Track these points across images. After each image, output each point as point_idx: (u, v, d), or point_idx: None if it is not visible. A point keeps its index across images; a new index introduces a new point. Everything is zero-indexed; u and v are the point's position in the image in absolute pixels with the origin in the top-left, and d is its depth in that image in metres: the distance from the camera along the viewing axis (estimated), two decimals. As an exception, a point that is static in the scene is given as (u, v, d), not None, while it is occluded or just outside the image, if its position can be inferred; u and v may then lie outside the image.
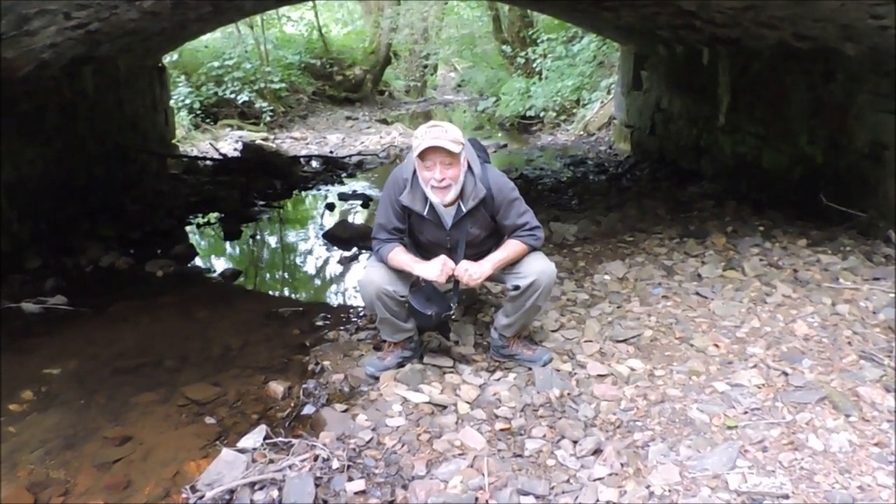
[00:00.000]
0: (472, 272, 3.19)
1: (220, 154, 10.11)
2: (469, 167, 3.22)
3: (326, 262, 6.17)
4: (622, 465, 2.64)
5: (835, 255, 4.56)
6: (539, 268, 3.28)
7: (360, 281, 3.40)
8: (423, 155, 3.08)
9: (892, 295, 3.83)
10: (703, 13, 5.83)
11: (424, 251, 3.40)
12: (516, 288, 3.29)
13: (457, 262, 3.25)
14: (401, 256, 3.26)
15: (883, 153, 4.84)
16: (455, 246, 3.34)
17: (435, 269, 3.17)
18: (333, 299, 5.37)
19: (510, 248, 3.30)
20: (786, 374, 3.15)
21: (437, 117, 16.36)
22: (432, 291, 3.38)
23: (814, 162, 5.68)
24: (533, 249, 3.34)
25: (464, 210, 3.25)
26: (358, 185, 9.10)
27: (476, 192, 3.21)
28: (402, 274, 3.32)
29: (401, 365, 3.52)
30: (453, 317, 3.51)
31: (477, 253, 3.34)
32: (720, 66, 7.11)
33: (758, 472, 2.49)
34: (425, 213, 3.25)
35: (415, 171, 3.21)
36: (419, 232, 3.39)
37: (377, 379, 3.47)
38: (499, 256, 3.27)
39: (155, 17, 5.23)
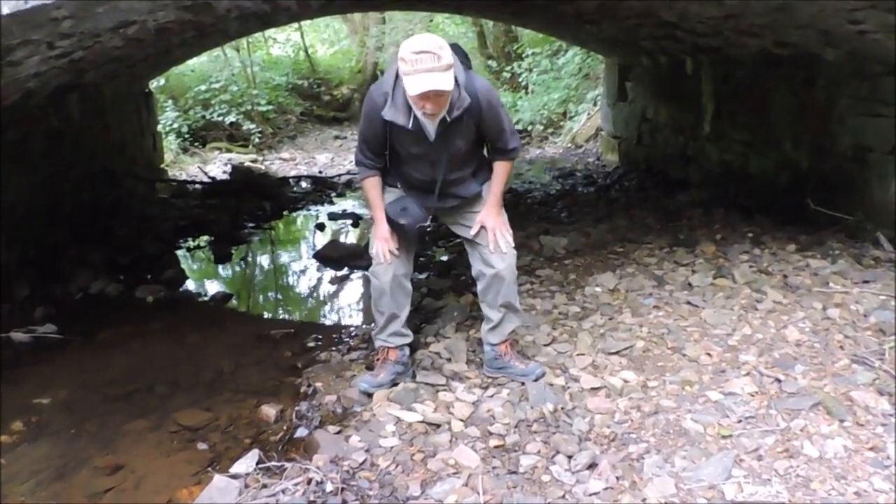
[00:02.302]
0: (501, 230, 3.35)
1: (209, 177, 10.10)
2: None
3: (317, 282, 6.16)
4: (617, 478, 2.62)
5: (824, 260, 4.57)
6: (504, 261, 3.36)
7: (372, 271, 3.45)
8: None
9: (882, 297, 3.84)
10: (684, 24, 5.88)
11: (407, 164, 3.32)
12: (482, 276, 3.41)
13: (439, 175, 3.27)
14: (372, 193, 3.38)
15: (866, 156, 4.88)
16: (438, 159, 3.24)
17: (378, 245, 3.37)
18: (325, 320, 5.36)
19: (501, 175, 3.40)
20: (779, 380, 3.15)
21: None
22: (410, 202, 3.37)
23: (799, 167, 5.72)
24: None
25: (448, 120, 3.10)
26: (348, 204, 9.10)
27: (461, 101, 3.06)
28: (409, 252, 3.49)
29: (394, 382, 3.51)
30: (428, 229, 3.67)
31: (460, 166, 3.31)
32: (703, 75, 7.17)
33: (754, 480, 2.48)
34: (410, 125, 3.10)
35: (395, 84, 3.06)
36: (400, 145, 3.25)
37: (371, 397, 3.45)
38: (498, 193, 3.39)
39: (139, 44, 5.24)
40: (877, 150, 4.78)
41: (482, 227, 3.36)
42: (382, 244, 3.37)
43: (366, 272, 5.88)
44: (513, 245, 3.40)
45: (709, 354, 3.50)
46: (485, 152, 3.47)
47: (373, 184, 3.37)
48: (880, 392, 2.94)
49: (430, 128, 3.14)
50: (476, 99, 3.10)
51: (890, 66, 4.56)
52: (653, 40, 7.24)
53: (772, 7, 4.44)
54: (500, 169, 3.39)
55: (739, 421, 2.88)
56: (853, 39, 4.52)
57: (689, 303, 4.16)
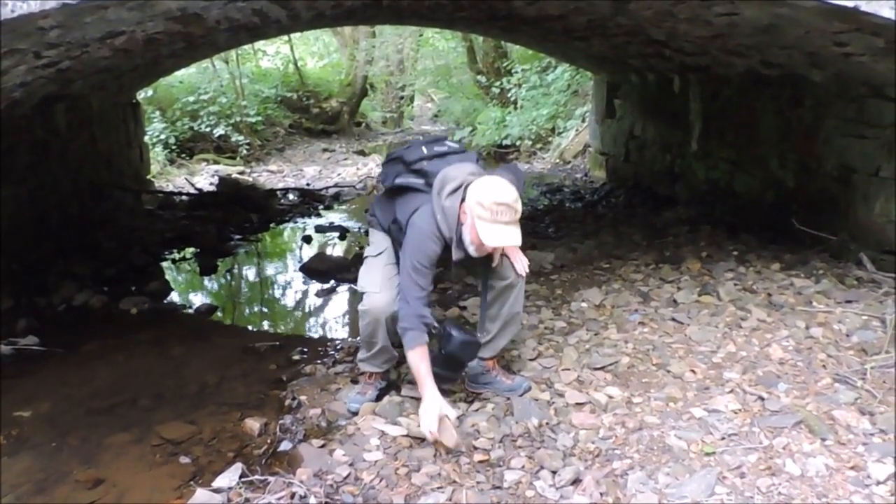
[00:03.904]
0: (520, 255, 3.38)
1: (196, 189, 10.07)
2: None
3: (304, 295, 6.14)
4: (601, 494, 2.63)
5: (808, 279, 4.61)
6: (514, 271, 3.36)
7: (366, 308, 3.35)
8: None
9: (865, 317, 3.87)
10: (672, 42, 5.95)
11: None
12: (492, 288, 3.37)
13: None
14: (424, 365, 3.04)
15: (851, 177, 4.93)
16: (475, 263, 3.30)
17: (425, 425, 2.94)
18: (311, 333, 5.33)
19: None
20: (762, 398, 3.17)
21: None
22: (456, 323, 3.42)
23: (785, 186, 5.77)
24: None
25: None
26: (335, 216, 9.09)
27: None
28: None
29: (379, 397, 3.51)
30: None
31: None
32: (691, 94, 7.24)
33: (736, 498, 2.49)
34: (464, 258, 3.14)
35: (457, 225, 3.06)
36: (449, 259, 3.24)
37: (356, 413, 3.44)
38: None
39: (127, 55, 5.23)
40: (861, 172, 4.83)
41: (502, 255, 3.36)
42: (433, 429, 2.93)
43: (352, 286, 5.91)
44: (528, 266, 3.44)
45: (693, 371, 3.51)
46: None
47: (425, 355, 3.05)
48: (862, 411, 2.96)
49: None
50: None
51: (875, 89, 4.63)
52: (641, 58, 7.32)
53: (758, 28, 4.50)
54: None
55: (723, 438, 2.89)
56: (839, 61, 4.58)
57: (674, 319, 4.19)
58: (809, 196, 5.42)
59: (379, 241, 3.48)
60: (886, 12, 3.27)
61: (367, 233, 3.65)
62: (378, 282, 3.36)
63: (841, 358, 3.49)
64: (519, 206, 2.93)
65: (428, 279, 3.13)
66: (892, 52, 3.87)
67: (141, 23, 4.33)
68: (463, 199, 3.02)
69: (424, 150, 3.33)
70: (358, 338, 3.65)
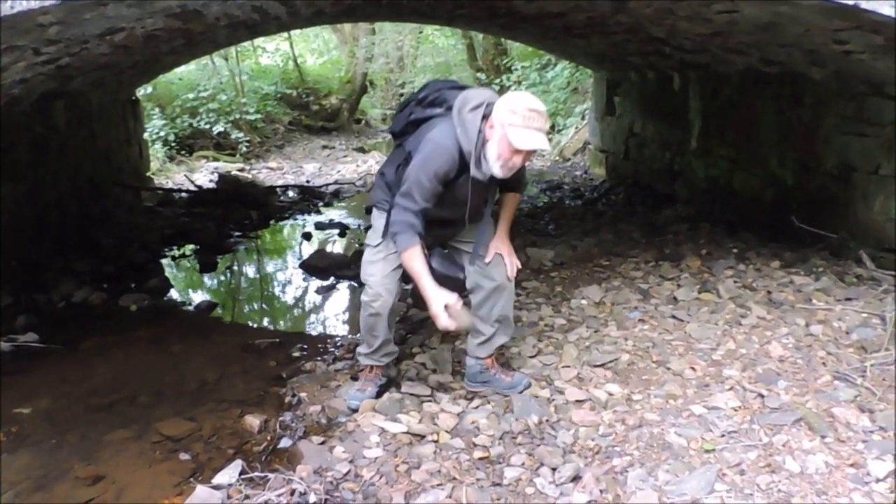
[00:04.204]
0: (513, 259, 3.36)
1: (196, 186, 10.07)
2: None
3: (304, 292, 6.14)
4: (601, 491, 2.63)
5: (807, 276, 4.61)
6: (504, 273, 3.37)
7: (367, 300, 3.32)
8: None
9: (864, 315, 3.87)
10: (672, 40, 5.94)
11: (442, 207, 3.18)
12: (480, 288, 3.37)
13: (469, 212, 3.22)
14: (418, 262, 3.01)
15: (851, 175, 4.93)
16: (480, 201, 3.27)
17: (434, 309, 2.97)
18: (311, 330, 5.33)
19: (513, 206, 3.47)
20: (762, 395, 3.17)
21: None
22: (447, 255, 3.31)
23: (785, 184, 5.77)
24: None
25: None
26: (335, 213, 9.09)
27: None
28: (403, 280, 3.37)
29: (380, 394, 3.51)
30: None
31: (477, 208, 3.31)
32: (691, 91, 7.24)
33: (736, 495, 2.49)
34: (484, 179, 3.08)
35: (477, 140, 3.01)
36: (452, 194, 3.16)
37: (356, 410, 3.44)
38: (509, 222, 3.45)
39: (127, 51, 5.22)
40: (861, 170, 4.83)
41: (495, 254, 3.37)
42: (447, 315, 2.98)
43: (352, 283, 5.92)
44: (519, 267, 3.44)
45: (693, 368, 3.51)
46: None
47: (418, 252, 3.02)
48: (861, 409, 2.96)
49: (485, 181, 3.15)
50: None
51: (874, 87, 4.62)
52: (641, 56, 7.31)
53: (758, 26, 4.49)
54: (513, 201, 3.48)
55: (722, 435, 2.89)
56: (839, 59, 4.58)
57: (674, 317, 4.19)
58: (809, 194, 5.42)
59: (379, 229, 3.36)
60: (886, 10, 3.26)
61: (368, 210, 3.54)
62: (379, 273, 3.32)
63: (841, 355, 3.49)
64: (547, 117, 2.97)
65: (427, 196, 3.04)
66: (892, 50, 3.87)
67: (140, 19, 4.32)
68: (485, 116, 3.01)
69: (439, 85, 3.31)
70: (358, 333, 3.63)
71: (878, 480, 2.50)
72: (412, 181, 3.04)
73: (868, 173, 4.75)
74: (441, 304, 2.96)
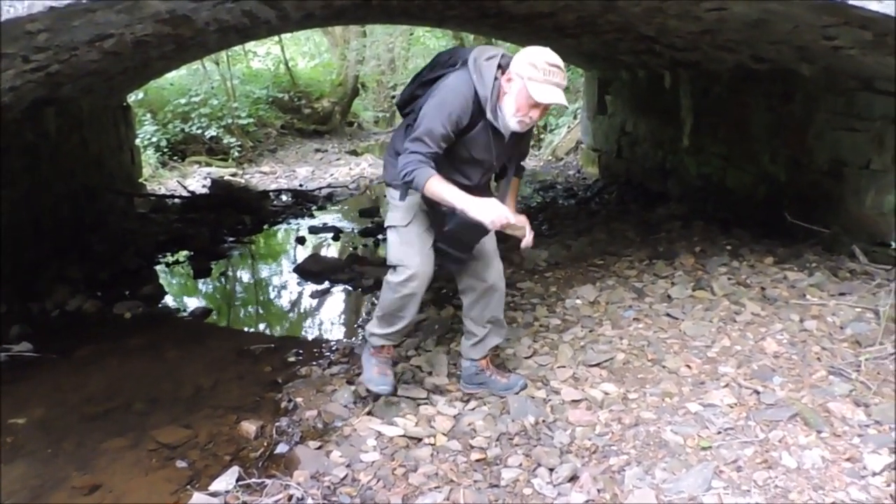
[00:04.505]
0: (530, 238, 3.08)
1: (189, 191, 10.04)
2: None
3: (298, 296, 6.12)
4: (599, 490, 2.63)
5: (801, 272, 4.63)
6: (497, 273, 3.37)
7: (401, 279, 3.16)
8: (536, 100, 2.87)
9: (858, 309, 3.89)
10: (662, 38, 5.95)
11: (456, 170, 3.10)
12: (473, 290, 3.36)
13: (482, 182, 3.17)
14: (442, 186, 2.88)
15: (842, 170, 4.95)
16: (491, 166, 3.19)
17: (488, 214, 2.85)
18: (306, 334, 5.32)
19: (516, 190, 3.43)
20: (757, 392, 3.17)
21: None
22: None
23: (777, 180, 5.79)
24: None
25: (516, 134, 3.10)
26: (328, 217, 9.07)
27: None
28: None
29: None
30: None
31: (487, 178, 3.29)
32: (682, 90, 7.26)
33: (733, 492, 2.49)
34: (503, 130, 3.03)
35: (493, 88, 2.95)
36: (466, 149, 3.07)
37: (392, 393, 3.38)
38: (513, 204, 3.35)
39: (117, 57, 5.20)
40: (852, 165, 4.85)
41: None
42: (500, 211, 2.89)
43: (346, 286, 5.91)
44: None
45: (688, 366, 3.52)
46: None
47: (439, 179, 2.89)
48: (857, 403, 2.98)
49: (505, 135, 3.10)
50: None
51: (864, 82, 4.64)
52: (632, 54, 7.32)
53: (748, 23, 4.51)
54: (515, 185, 3.44)
55: (719, 432, 2.90)
56: (828, 55, 4.59)
57: (668, 315, 4.19)
58: (801, 190, 5.44)
59: (405, 207, 3.19)
60: (874, 6, 3.27)
61: (383, 193, 3.27)
62: (417, 253, 3.18)
63: (835, 350, 3.50)
64: (566, 75, 2.92)
65: (439, 141, 2.92)
66: (881, 46, 3.88)
67: (130, 25, 4.30)
68: (500, 67, 2.96)
69: (449, 51, 3.25)
70: (377, 312, 3.38)
71: (874, 474, 2.51)
72: (423, 126, 2.91)
73: (859, 168, 4.77)
74: (497, 203, 2.90)
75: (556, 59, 2.90)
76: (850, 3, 3.29)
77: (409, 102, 3.25)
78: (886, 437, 2.71)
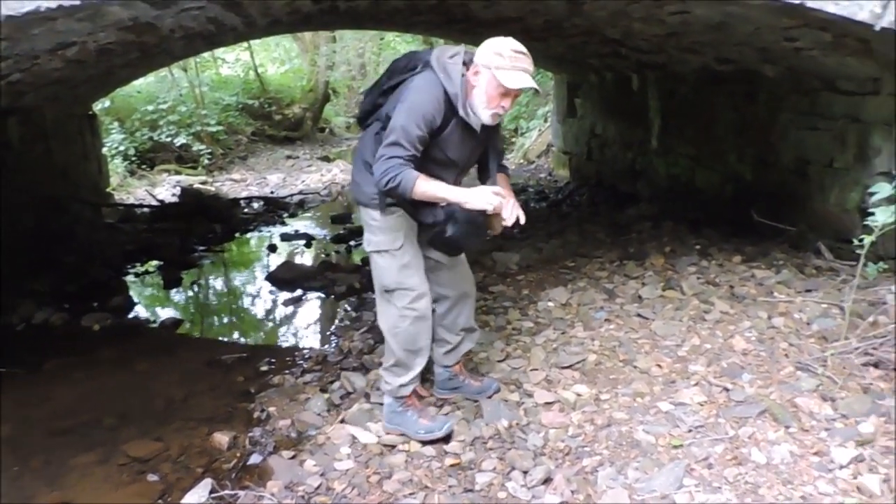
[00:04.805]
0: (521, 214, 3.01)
1: (158, 200, 9.92)
2: None
3: (271, 305, 6.07)
4: (572, 492, 2.65)
5: (768, 270, 4.70)
6: (469, 281, 3.37)
7: (408, 305, 3.05)
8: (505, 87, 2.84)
9: (824, 305, 3.96)
10: (628, 41, 6.02)
11: (431, 171, 2.97)
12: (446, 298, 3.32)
13: (457, 183, 3.07)
14: (430, 185, 2.84)
15: (807, 168, 5.04)
16: (465, 165, 3.14)
17: (484, 198, 2.84)
18: (278, 343, 5.28)
19: (507, 183, 3.26)
20: (727, 389, 3.21)
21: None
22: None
23: (744, 179, 5.88)
24: None
25: (489, 126, 3.04)
26: (300, 224, 9.02)
27: None
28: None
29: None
30: None
31: (461, 179, 3.21)
32: (649, 91, 7.34)
33: (704, 489, 2.52)
34: (475, 126, 2.97)
35: (462, 84, 2.90)
36: (440, 149, 2.99)
37: (447, 438, 3.13)
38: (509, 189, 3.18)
39: (80, 66, 5.13)
40: (816, 163, 4.94)
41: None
42: (493, 195, 2.87)
43: (319, 294, 5.88)
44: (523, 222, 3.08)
45: (659, 366, 3.55)
46: None
47: (424, 179, 2.84)
48: (824, 398, 3.02)
49: (477, 130, 3.03)
50: None
51: (826, 82, 4.73)
52: (599, 57, 7.39)
53: (710, 26, 4.57)
54: (505, 180, 3.29)
55: (690, 430, 2.93)
56: (790, 56, 4.68)
57: (639, 315, 4.23)
58: (768, 189, 5.53)
59: (390, 228, 3.08)
60: (831, 7, 3.34)
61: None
62: (416, 275, 3.10)
63: (802, 346, 3.56)
64: (532, 61, 2.90)
65: (416, 143, 2.85)
66: (841, 47, 3.96)
67: (92, 33, 4.25)
68: (464, 63, 2.93)
69: (405, 56, 3.17)
70: (389, 361, 3.19)
71: (841, 467, 2.55)
72: (398, 130, 2.84)
73: (823, 166, 4.86)
74: (488, 190, 2.89)
75: (520, 45, 2.89)
76: (808, 5, 3.36)
77: (372, 113, 3.18)
78: (852, 431, 2.75)
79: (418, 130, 2.85)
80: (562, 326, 4.21)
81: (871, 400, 2.93)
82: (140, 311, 5.87)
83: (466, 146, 3.06)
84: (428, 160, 2.98)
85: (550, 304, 4.60)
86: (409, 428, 3.17)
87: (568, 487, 2.67)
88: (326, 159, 15.87)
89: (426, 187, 2.84)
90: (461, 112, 2.93)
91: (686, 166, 6.83)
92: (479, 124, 2.99)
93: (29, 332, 5.19)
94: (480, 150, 3.19)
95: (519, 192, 9.74)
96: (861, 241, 3.31)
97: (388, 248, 3.09)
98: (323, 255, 7.35)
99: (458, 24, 7.04)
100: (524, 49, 2.88)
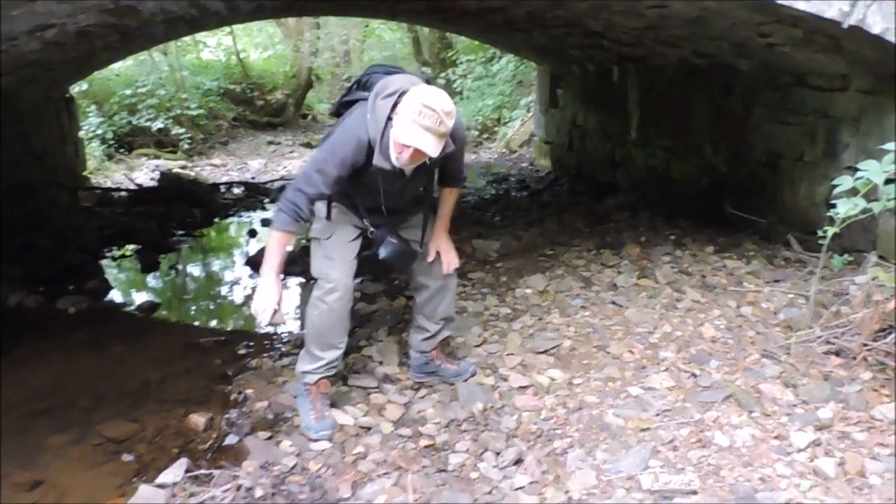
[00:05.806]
0: (453, 255, 3.35)
1: (136, 184, 9.86)
2: None
3: (250, 289, 6.08)
4: (542, 472, 2.71)
5: (739, 260, 4.80)
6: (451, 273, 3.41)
7: (322, 294, 3.14)
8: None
9: (791, 296, 4.06)
10: (609, 34, 6.08)
11: (366, 194, 3.12)
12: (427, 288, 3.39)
13: (399, 203, 3.19)
14: (280, 247, 2.99)
15: (778, 162, 5.14)
16: (405, 191, 3.18)
17: (257, 305, 2.96)
18: (256, 327, 5.30)
19: (452, 201, 3.39)
20: (695, 375, 3.30)
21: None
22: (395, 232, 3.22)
23: (718, 172, 5.98)
24: None
25: (427, 163, 3.00)
26: (281, 210, 8.99)
27: (445, 148, 2.91)
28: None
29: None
30: None
31: (416, 192, 3.30)
32: (629, 83, 7.41)
33: (668, 470, 2.60)
34: (392, 168, 2.96)
35: (385, 127, 2.89)
36: (371, 181, 3.04)
37: (329, 439, 3.14)
38: (448, 218, 3.38)
39: (59, 48, 5.10)
40: (787, 157, 5.04)
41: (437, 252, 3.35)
42: (269, 310, 2.96)
43: (299, 278, 5.90)
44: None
45: (631, 352, 3.63)
46: None
47: (284, 242, 3.00)
48: (786, 384, 3.12)
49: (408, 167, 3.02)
50: (454, 142, 3.00)
51: (798, 77, 4.82)
52: (581, 49, 7.45)
53: (688, 20, 4.64)
54: (452, 197, 3.39)
55: (657, 414, 3.01)
56: (764, 52, 4.76)
57: (614, 303, 4.31)
58: (741, 181, 5.63)
59: (326, 219, 3.21)
60: (801, 5, 3.41)
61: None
62: (336, 266, 3.17)
63: (768, 335, 3.66)
64: (448, 123, 2.77)
65: (330, 183, 2.94)
66: (811, 43, 4.05)
67: (72, 15, 4.23)
68: (395, 105, 2.87)
69: (377, 69, 3.19)
70: (305, 344, 3.29)
71: (799, 451, 2.64)
72: (318, 165, 2.95)
73: (794, 160, 4.96)
74: (268, 302, 2.94)
75: (437, 102, 2.74)
76: (779, 2, 3.43)
77: (336, 117, 3.29)
78: (812, 416, 2.84)
79: (335, 171, 2.94)
80: (538, 313, 4.28)
81: (830, 387, 3.03)
82: (116, 295, 5.85)
83: (398, 180, 3.07)
84: (360, 185, 3.09)
85: (528, 290, 4.66)
86: (301, 416, 3.27)
87: (538, 468, 2.74)
88: (309, 146, 15.81)
89: (272, 244, 3.01)
90: (375, 158, 2.93)
91: (663, 158, 6.92)
92: (396, 167, 2.94)
93: (3, 314, 5.15)
94: (423, 178, 3.24)
95: (500, 180, 9.81)
96: (825, 233, 3.39)
97: (318, 236, 3.24)
98: (303, 241, 7.35)
99: (443, 13, 7.08)
100: (439, 106, 2.74)
